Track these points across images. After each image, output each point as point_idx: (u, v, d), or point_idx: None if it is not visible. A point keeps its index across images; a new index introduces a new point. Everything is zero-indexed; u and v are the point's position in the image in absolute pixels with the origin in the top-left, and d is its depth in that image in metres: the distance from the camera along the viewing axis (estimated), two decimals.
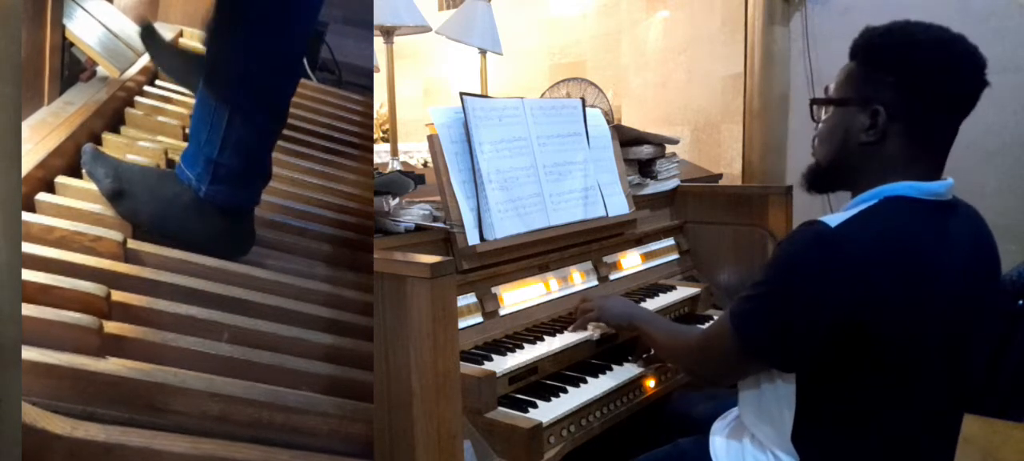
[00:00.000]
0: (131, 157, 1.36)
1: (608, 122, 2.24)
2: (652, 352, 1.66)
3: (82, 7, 1.42)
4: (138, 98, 1.52)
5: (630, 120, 3.44)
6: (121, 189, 1.25)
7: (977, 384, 1.22)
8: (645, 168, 2.37)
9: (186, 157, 1.28)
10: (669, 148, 2.48)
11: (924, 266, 1.07)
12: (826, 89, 1.24)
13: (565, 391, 1.50)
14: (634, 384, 1.60)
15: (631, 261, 2.14)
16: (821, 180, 1.25)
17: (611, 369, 1.63)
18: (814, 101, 1.25)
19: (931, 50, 1.11)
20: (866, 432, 1.12)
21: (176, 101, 1.55)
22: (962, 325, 1.12)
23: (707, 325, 1.30)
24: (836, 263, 1.05)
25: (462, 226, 1.66)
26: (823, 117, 1.23)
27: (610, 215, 2.02)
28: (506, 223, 1.73)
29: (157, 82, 1.60)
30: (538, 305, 1.81)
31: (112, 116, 1.45)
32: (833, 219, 1.09)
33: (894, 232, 1.07)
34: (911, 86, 1.10)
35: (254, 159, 1.29)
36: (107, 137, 1.40)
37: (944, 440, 1.21)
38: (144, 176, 1.28)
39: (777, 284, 1.12)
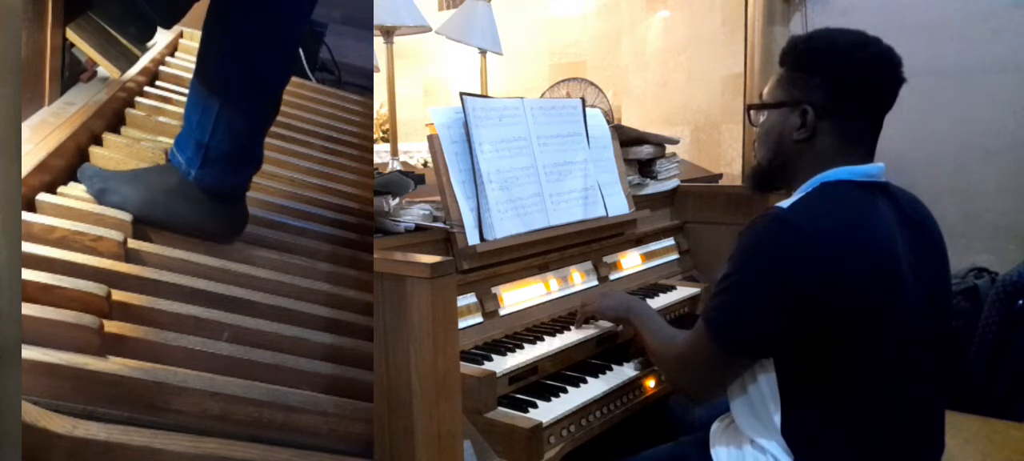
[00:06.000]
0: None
1: (608, 122, 2.24)
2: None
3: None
4: (138, 98, 1.52)
5: (630, 120, 3.45)
6: (105, 187, 1.25)
7: (976, 380, 1.24)
8: (645, 168, 2.37)
9: (178, 141, 1.28)
10: (669, 148, 2.48)
11: (867, 236, 1.13)
12: (760, 95, 1.33)
13: (565, 391, 1.50)
14: (634, 384, 1.60)
15: (631, 261, 2.14)
16: (763, 179, 1.34)
17: (611, 369, 1.63)
18: (749, 106, 1.35)
19: (852, 52, 1.19)
20: (848, 419, 1.14)
21: (176, 101, 1.55)
22: (918, 300, 1.16)
23: (685, 336, 1.31)
24: (790, 237, 1.12)
25: (462, 226, 1.66)
26: (760, 121, 1.31)
27: (610, 215, 2.02)
28: (506, 223, 1.73)
29: (158, 83, 1.60)
30: (538, 305, 1.81)
31: (112, 116, 1.45)
32: (783, 204, 1.18)
33: (837, 208, 1.15)
34: (835, 85, 1.20)
35: (245, 145, 1.29)
36: (107, 137, 1.40)
37: (928, 425, 1.23)
38: (132, 173, 1.29)
39: (741, 271, 1.16)
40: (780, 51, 1.28)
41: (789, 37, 1.30)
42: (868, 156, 1.23)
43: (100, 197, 1.25)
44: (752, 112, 1.33)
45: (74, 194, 1.25)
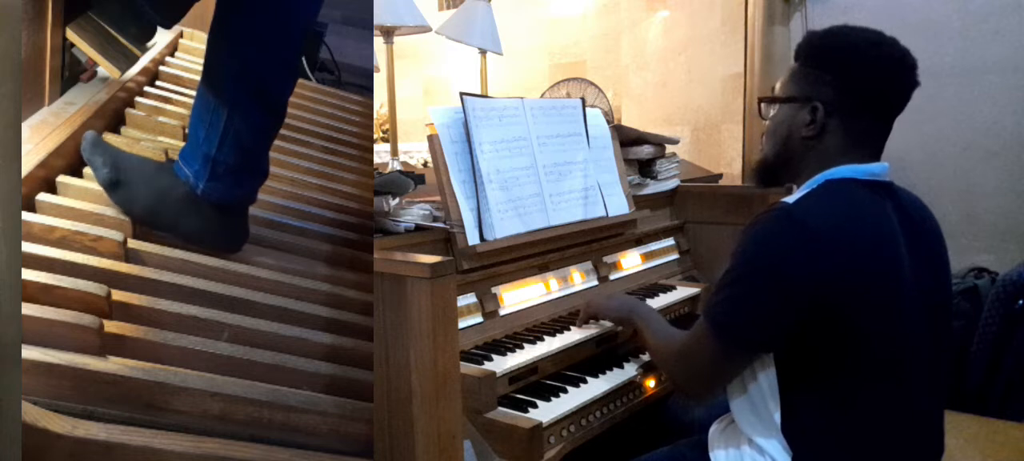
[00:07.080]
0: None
1: (608, 122, 2.24)
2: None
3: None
4: (138, 98, 1.53)
5: (630, 120, 3.45)
6: (117, 178, 1.25)
7: (976, 380, 1.23)
8: (645, 168, 2.37)
9: (184, 154, 1.28)
10: (669, 148, 2.48)
11: (871, 234, 1.13)
12: (772, 88, 1.32)
13: (565, 391, 1.50)
14: (634, 384, 1.60)
15: (631, 261, 2.14)
16: (769, 173, 1.33)
17: (611, 369, 1.63)
18: (761, 99, 1.33)
19: (866, 52, 1.18)
20: (848, 418, 1.14)
21: (176, 101, 1.56)
22: (919, 300, 1.16)
23: (687, 333, 1.31)
24: (794, 233, 1.11)
25: (462, 226, 1.66)
26: (771, 114, 1.31)
27: (610, 215, 2.02)
28: (506, 223, 1.73)
29: (158, 83, 1.60)
30: (538, 305, 1.81)
31: (113, 116, 1.45)
32: (788, 199, 1.17)
33: (842, 205, 1.15)
34: (847, 85, 1.19)
35: (251, 156, 1.29)
36: (108, 137, 1.40)
37: (928, 425, 1.23)
38: (142, 167, 1.29)
39: (744, 266, 1.16)
40: (796, 45, 1.27)
41: (806, 31, 1.30)
42: (874, 156, 1.22)
43: (108, 186, 1.25)
44: (763, 105, 1.32)
45: (74, 192, 1.25)
